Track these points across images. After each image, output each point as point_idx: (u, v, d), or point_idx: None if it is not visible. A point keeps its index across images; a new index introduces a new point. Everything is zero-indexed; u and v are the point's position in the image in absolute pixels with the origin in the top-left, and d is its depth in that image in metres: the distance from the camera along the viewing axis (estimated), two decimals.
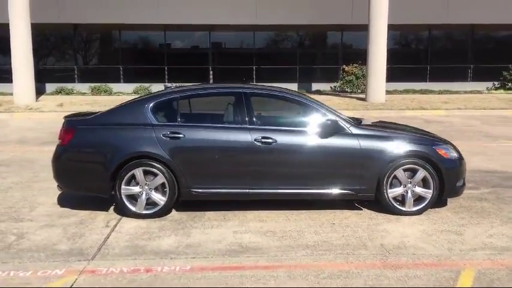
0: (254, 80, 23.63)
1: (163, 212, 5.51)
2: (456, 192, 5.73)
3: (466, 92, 22.07)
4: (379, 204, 5.67)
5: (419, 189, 5.57)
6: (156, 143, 5.43)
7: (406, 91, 22.16)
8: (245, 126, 5.54)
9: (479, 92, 22.51)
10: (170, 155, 5.39)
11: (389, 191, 5.54)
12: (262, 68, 23.89)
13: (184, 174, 5.42)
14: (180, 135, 5.45)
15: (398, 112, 16.00)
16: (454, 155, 5.70)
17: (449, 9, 22.15)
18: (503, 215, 5.58)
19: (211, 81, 23.62)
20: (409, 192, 5.56)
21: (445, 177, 5.54)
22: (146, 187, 5.44)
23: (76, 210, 5.74)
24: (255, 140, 5.44)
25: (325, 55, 25.41)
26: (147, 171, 5.43)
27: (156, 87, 22.18)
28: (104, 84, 21.46)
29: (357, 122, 5.89)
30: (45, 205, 6.02)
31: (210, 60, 23.92)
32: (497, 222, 5.36)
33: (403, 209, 5.58)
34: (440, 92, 21.93)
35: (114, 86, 21.56)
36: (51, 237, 4.92)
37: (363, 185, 5.55)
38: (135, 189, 5.45)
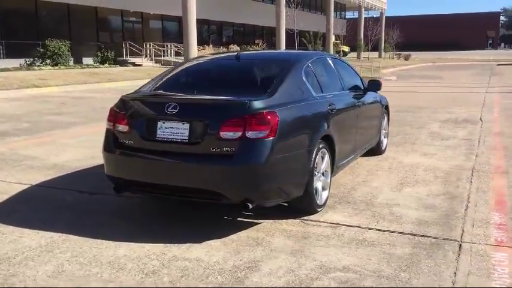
0: None
1: (327, 198, 4.71)
2: None
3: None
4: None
5: (384, 132, 7.11)
6: (329, 118, 4.56)
7: None
8: (347, 91, 5.45)
9: (19, 68, 21.80)
10: (333, 130, 4.66)
11: (382, 137, 6.84)
12: None
13: (337, 150, 4.82)
14: (334, 107, 4.76)
15: None
16: None
17: None
18: (410, 143, 7.98)
19: None
20: (383, 135, 7.02)
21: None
22: (320, 172, 4.51)
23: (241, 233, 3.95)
24: (356, 103, 5.49)
25: None
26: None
27: None
28: None
29: None
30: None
31: None
32: (427, 147, 7.76)
33: (383, 148, 7.00)
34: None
35: None
36: None
37: (377, 136, 6.59)
38: (317, 177, 4.42)
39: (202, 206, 4.53)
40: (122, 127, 4.04)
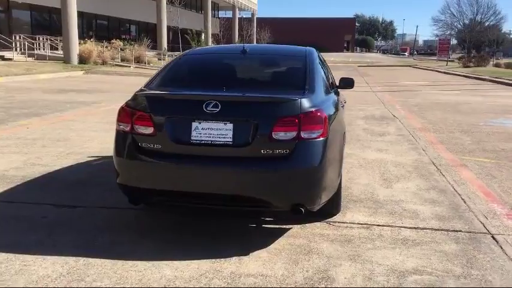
0: None
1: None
2: None
3: None
4: None
5: None
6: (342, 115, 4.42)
7: None
8: (334, 87, 5.34)
9: None
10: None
11: None
12: None
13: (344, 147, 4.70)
14: (343, 104, 4.64)
15: None
16: None
17: None
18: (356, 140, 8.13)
19: None
20: None
21: None
22: None
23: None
24: (342, 99, 5.42)
25: None
26: None
27: None
28: None
29: None
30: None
31: None
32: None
33: None
34: None
35: None
36: None
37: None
38: None
39: (209, 214, 4.12)
40: (145, 129, 3.44)
